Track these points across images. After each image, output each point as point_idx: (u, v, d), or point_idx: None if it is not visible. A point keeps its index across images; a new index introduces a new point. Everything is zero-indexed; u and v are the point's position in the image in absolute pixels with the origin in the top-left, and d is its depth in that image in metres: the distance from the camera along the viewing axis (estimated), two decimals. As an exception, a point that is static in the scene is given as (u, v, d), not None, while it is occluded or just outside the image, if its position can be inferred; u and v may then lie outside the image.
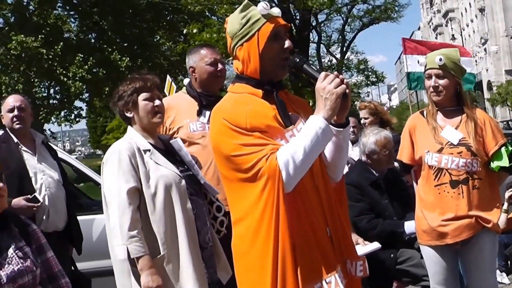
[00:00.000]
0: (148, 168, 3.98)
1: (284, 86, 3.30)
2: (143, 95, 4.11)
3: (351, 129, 7.64)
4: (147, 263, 3.82)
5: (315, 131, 2.85)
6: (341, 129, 3.05)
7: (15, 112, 5.80)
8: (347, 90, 2.92)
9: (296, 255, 2.84)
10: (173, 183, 3.98)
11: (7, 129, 5.89)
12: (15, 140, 5.77)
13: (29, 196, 5.50)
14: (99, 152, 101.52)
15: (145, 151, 4.03)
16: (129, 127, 4.23)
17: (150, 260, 3.84)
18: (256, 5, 3.11)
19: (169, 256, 3.94)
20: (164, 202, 3.94)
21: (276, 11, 3.12)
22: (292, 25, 28.11)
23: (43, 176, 5.79)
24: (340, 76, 2.93)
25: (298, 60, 3.11)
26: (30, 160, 5.78)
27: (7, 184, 3.28)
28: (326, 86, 2.89)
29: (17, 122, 5.80)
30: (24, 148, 5.80)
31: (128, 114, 4.17)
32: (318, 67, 34.40)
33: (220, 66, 5.08)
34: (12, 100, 5.87)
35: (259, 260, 2.88)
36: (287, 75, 3.25)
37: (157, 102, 4.13)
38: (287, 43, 3.07)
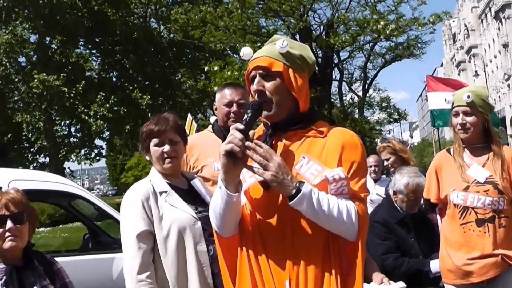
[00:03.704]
0: (162, 211, 3.90)
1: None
2: (153, 141, 4.03)
3: (372, 168, 7.77)
4: None
5: (218, 187, 2.94)
6: (290, 202, 2.74)
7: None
8: (234, 149, 2.73)
9: None
10: (187, 226, 3.89)
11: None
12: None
13: None
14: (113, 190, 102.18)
15: (161, 193, 3.97)
16: (152, 167, 4.17)
17: None
18: (296, 39, 2.99)
19: None
20: (176, 245, 3.85)
21: (250, 53, 3.04)
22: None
23: None
24: (236, 133, 2.74)
25: (249, 105, 2.90)
26: None
27: None
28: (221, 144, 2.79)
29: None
30: None
31: (148, 157, 4.14)
32: (340, 104, 34.32)
33: (234, 108, 5.02)
34: None
35: None
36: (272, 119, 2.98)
37: (166, 148, 4.01)
38: (253, 87, 2.94)
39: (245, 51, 2.96)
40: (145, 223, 3.83)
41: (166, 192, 3.98)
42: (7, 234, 3.35)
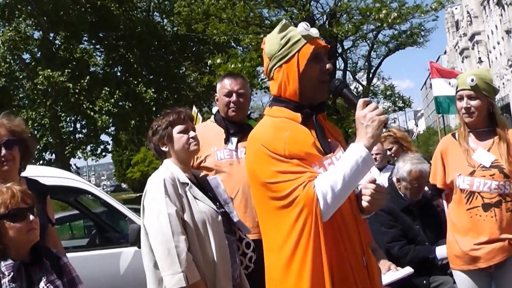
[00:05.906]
0: (188, 202, 3.90)
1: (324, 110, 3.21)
2: (177, 128, 4.08)
3: (374, 156, 7.83)
4: (203, 286, 3.77)
5: (356, 159, 2.76)
6: None
7: None
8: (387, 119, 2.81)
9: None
10: (210, 219, 3.90)
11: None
12: None
13: None
14: (124, 186, 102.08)
15: (184, 184, 3.96)
16: (166, 159, 4.14)
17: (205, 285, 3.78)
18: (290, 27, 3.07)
19: None
20: (201, 238, 3.85)
21: (314, 31, 3.05)
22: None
23: None
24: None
25: (338, 83, 3.00)
26: None
27: None
28: (367, 113, 2.80)
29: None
30: None
31: (164, 148, 4.11)
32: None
33: (234, 97, 5.09)
34: None
35: None
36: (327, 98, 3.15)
37: (191, 133, 4.09)
38: (328, 65, 2.98)
39: (305, 26, 3.03)
40: (178, 209, 3.81)
41: (187, 184, 3.98)
42: (30, 227, 3.33)
